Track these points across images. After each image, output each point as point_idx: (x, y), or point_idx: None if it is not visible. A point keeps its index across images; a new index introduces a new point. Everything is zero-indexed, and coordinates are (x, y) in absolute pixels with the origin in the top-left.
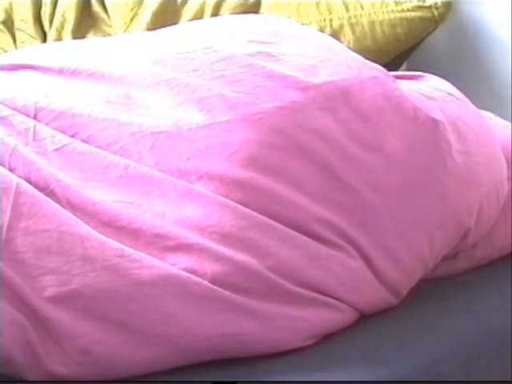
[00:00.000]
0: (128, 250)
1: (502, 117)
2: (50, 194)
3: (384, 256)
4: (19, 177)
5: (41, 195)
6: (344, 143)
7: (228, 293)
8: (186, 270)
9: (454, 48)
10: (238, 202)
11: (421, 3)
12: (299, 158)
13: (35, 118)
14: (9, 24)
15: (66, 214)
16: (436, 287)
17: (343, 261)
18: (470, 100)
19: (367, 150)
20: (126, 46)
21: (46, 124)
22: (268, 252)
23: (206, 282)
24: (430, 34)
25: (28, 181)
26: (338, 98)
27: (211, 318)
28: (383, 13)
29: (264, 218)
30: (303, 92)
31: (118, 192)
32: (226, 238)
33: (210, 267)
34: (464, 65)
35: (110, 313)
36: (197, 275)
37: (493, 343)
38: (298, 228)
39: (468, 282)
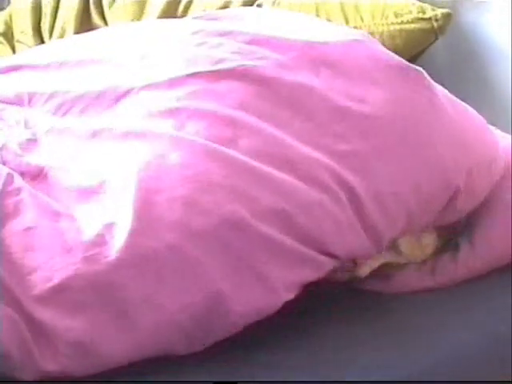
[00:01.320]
0: (106, 236)
1: (502, 125)
2: (43, 179)
3: (373, 201)
4: (12, 169)
5: (26, 190)
6: (328, 95)
7: (213, 248)
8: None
9: (454, 58)
10: (229, 140)
11: (420, 15)
12: (286, 107)
13: (29, 103)
14: (9, 36)
15: (49, 208)
16: (436, 296)
17: (331, 207)
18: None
19: (351, 100)
20: (112, 35)
21: (42, 106)
22: (255, 199)
23: (188, 252)
24: (430, 45)
25: (20, 172)
26: (319, 58)
27: (193, 284)
28: (383, 25)
29: (252, 164)
30: (287, 52)
31: None
32: (212, 186)
33: (196, 221)
34: (464, 74)
35: (94, 302)
36: (183, 235)
37: (492, 352)
38: (290, 169)
39: (468, 292)
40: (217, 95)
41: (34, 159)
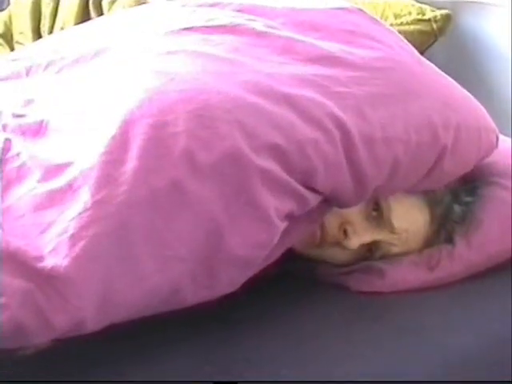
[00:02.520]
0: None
1: (501, 128)
2: (44, 132)
3: (364, 144)
4: (13, 132)
5: (25, 153)
6: (321, 45)
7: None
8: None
9: (453, 60)
10: (227, 76)
11: (420, 16)
12: (280, 53)
13: (27, 75)
14: (8, 37)
15: (51, 164)
16: (435, 298)
17: (324, 146)
18: None
19: (342, 53)
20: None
21: (40, 74)
22: (253, 133)
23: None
24: (429, 47)
25: (21, 132)
26: (306, 22)
27: (194, 220)
28: None
29: (252, 98)
30: (274, 18)
31: None
32: (213, 120)
33: (199, 156)
34: (463, 76)
35: (106, 247)
36: (186, 170)
37: (492, 355)
38: (288, 105)
39: (467, 294)
40: (212, 42)
41: (32, 116)
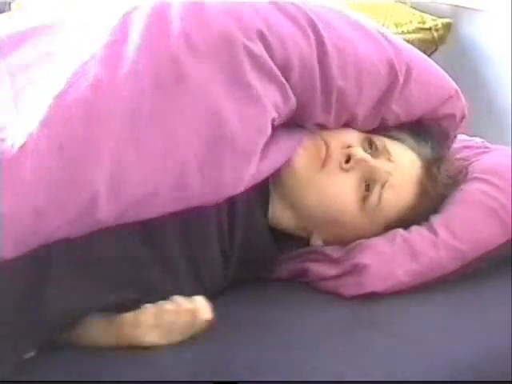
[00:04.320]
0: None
1: (501, 135)
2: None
3: (335, 52)
4: None
5: None
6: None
7: None
8: None
9: (454, 68)
10: None
11: (421, 25)
12: None
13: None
14: None
15: None
16: (433, 305)
17: (301, 42)
18: (469, 121)
19: None
20: None
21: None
22: (240, 17)
23: None
24: (430, 55)
25: None
26: None
27: (198, 106)
28: None
29: None
30: None
31: None
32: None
33: (195, 34)
34: (463, 85)
35: (115, 126)
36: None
37: (492, 362)
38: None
39: (466, 298)
40: None
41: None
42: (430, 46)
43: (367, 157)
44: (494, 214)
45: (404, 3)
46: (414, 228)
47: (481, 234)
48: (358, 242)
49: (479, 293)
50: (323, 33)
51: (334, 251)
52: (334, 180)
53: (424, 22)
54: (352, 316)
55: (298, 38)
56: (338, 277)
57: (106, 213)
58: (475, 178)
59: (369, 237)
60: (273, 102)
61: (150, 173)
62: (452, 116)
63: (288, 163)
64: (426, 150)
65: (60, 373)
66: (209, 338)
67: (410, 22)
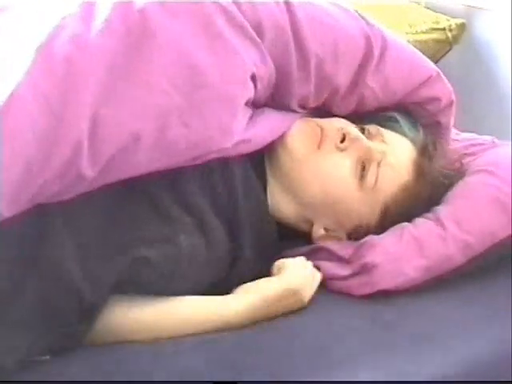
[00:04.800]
0: None
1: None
2: None
3: (307, 19)
4: None
5: None
6: None
7: None
8: None
9: (468, 68)
10: None
11: (435, 25)
12: None
13: None
14: None
15: None
16: (445, 303)
17: (271, 6)
18: (482, 120)
19: None
20: None
21: None
22: None
23: None
24: (444, 55)
25: None
26: None
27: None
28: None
29: None
30: None
31: None
32: None
33: None
34: (478, 84)
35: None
36: None
37: (504, 360)
38: None
39: (478, 298)
40: None
41: None
42: (444, 46)
43: (362, 136)
44: (501, 206)
45: (418, 3)
46: (422, 222)
47: (488, 227)
48: (366, 239)
49: (486, 287)
50: (295, 2)
51: (342, 249)
52: (329, 160)
53: (438, 22)
54: (365, 316)
55: (270, 5)
56: (348, 277)
57: (90, 168)
58: (481, 171)
59: (368, 222)
60: (251, 57)
61: (130, 122)
62: (436, 100)
63: (283, 144)
64: (420, 137)
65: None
66: (225, 339)
67: (424, 22)
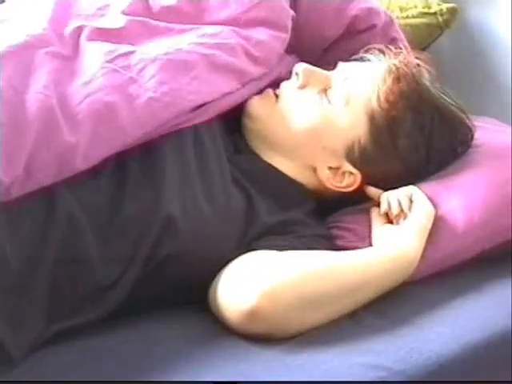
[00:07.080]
0: None
1: (508, 120)
2: None
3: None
4: None
5: None
6: None
7: None
8: None
9: (460, 53)
10: None
11: (426, 10)
12: None
13: None
14: None
15: None
16: (437, 292)
17: None
18: (475, 105)
19: None
20: None
21: None
22: None
23: None
24: (435, 40)
25: None
26: None
27: None
28: None
29: None
30: None
31: None
32: None
33: None
34: (470, 70)
35: None
36: None
37: (496, 349)
38: None
39: (473, 287)
40: None
41: None
42: (436, 30)
43: (313, 67)
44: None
45: None
46: (432, 214)
47: (500, 221)
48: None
49: (485, 277)
50: None
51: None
52: (293, 101)
53: (429, 7)
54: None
55: None
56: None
57: (71, 135)
58: (491, 160)
59: (357, 136)
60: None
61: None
62: (371, 27)
63: (246, 115)
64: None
65: None
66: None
67: (415, 6)
